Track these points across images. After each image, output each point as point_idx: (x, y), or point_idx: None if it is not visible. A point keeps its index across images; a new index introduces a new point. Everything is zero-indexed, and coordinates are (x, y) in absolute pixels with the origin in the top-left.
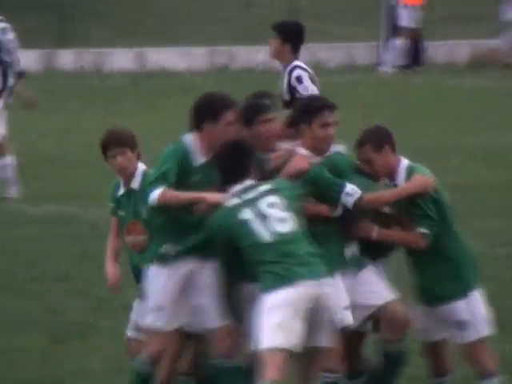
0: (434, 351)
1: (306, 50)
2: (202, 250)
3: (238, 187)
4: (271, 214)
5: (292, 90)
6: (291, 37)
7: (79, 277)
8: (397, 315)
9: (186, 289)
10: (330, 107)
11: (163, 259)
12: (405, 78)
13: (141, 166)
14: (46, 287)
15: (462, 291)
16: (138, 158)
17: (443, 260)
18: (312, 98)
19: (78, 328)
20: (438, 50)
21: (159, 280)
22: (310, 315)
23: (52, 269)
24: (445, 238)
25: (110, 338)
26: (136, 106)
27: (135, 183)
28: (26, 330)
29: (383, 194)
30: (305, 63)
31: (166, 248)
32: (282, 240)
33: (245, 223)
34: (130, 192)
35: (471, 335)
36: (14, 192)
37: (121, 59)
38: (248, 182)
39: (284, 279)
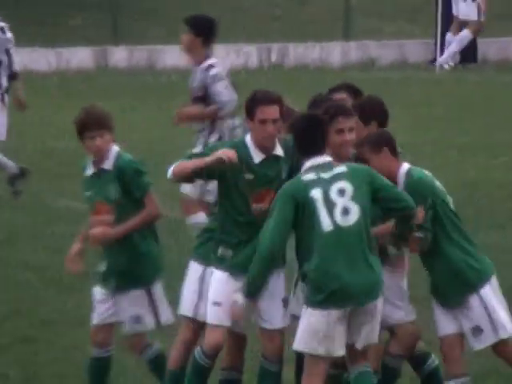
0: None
1: (358, 47)
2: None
3: (314, 161)
4: (338, 202)
5: (205, 86)
6: (203, 31)
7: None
8: (411, 335)
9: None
10: (345, 113)
11: (221, 262)
12: (459, 75)
13: (115, 148)
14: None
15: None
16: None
17: (442, 265)
18: (328, 104)
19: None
20: (490, 47)
21: (221, 279)
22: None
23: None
24: (442, 244)
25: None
26: (188, 103)
27: (108, 164)
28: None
29: None
30: (357, 60)
31: (222, 251)
32: (340, 234)
33: (312, 202)
34: (100, 172)
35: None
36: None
37: (173, 56)
38: (324, 159)
39: (329, 295)
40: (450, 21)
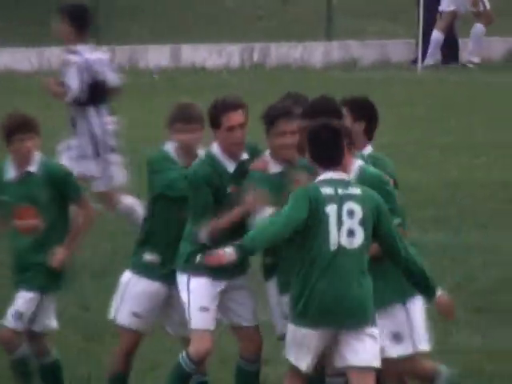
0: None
1: (340, 47)
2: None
3: (332, 175)
4: (346, 223)
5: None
6: (77, 20)
7: (112, 274)
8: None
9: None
10: (287, 116)
11: (197, 269)
12: (441, 75)
13: (37, 152)
14: (80, 284)
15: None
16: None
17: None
18: (270, 107)
19: (111, 325)
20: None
21: (201, 285)
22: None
23: (87, 265)
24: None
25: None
26: (170, 103)
27: (33, 167)
28: (60, 327)
29: None
30: (339, 60)
31: (200, 259)
32: (341, 255)
33: (326, 217)
34: (25, 175)
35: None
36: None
37: (155, 55)
38: (341, 175)
39: (308, 318)
40: (432, 20)
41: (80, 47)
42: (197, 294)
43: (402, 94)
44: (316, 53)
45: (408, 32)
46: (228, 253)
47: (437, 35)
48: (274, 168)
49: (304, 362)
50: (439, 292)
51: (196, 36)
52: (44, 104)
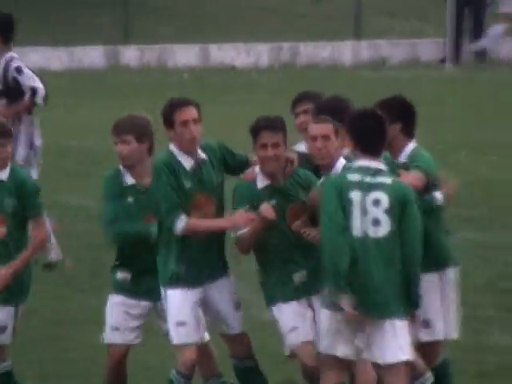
0: None
1: (369, 46)
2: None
3: (365, 163)
4: (371, 212)
5: (8, 80)
6: (1, 28)
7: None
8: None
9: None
10: (270, 128)
11: (175, 280)
12: (469, 74)
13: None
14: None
15: None
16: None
17: None
18: (256, 119)
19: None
20: (501, 46)
21: (176, 297)
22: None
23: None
24: None
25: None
26: (199, 102)
27: (4, 175)
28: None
29: None
30: (368, 59)
31: (174, 268)
32: (367, 243)
33: (349, 203)
34: None
35: None
36: None
37: (184, 55)
38: (376, 164)
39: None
40: (461, 19)
41: (13, 53)
42: (173, 308)
43: (430, 92)
44: (345, 52)
45: (437, 31)
46: (346, 303)
47: (499, 28)
48: (260, 182)
49: (339, 348)
50: None
51: (224, 35)
52: (74, 103)
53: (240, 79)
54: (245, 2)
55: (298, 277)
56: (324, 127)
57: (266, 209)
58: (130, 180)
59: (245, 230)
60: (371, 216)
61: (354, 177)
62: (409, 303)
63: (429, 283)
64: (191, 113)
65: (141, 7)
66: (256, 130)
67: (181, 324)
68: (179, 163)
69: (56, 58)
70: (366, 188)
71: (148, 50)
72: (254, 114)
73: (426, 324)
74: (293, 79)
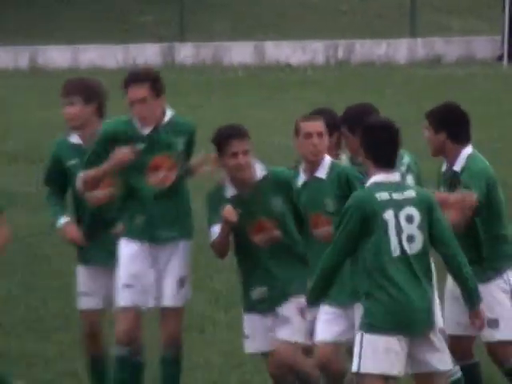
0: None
1: (425, 44)
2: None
3: (386, 177)
4: (406, 229)
5: None
6: None
7: (196, 270)
8: None
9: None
10: (238, 136)
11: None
12: None
13: None
14: None
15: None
16: None
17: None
18: (221, 127)
19: (196, 321)
20: None
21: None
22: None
23: None
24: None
25: (227, 331)
26: (254, 100)
27: None
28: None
29: None
30: (423, 57)
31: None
32: (406, 261)
33: (384, 224)
34: None
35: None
36: None
37: (239, 52)
38: (395, 177)
39: (383, 326)
40: None
41: None
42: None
43: (486, 90)
44: (400, 49)
45: (493, 28)
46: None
47: None
48: (230, 191)
49: (395, 367)
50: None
51: (279, 33)
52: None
53: (295, 77)
54: (300, 0)
55: (258, 293)
56: (318, 125)
57: (228, 211)
58: (76, 140)
59: (217, 234)
60: (406, 233)
61: (382, 195)
62: (470, 300)
63: (497, 286)
64: (138, 92)
65: (196, 4)
66: (223, 140)
67: (128, 286)
68: (134, 126)
69: (111, 55)
70: (397, 206)
71: (203, 48)
72: (308, 111)
73: (495, 323)
74: (348, 77)
